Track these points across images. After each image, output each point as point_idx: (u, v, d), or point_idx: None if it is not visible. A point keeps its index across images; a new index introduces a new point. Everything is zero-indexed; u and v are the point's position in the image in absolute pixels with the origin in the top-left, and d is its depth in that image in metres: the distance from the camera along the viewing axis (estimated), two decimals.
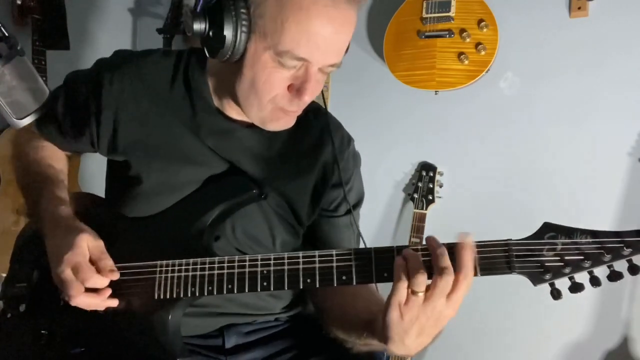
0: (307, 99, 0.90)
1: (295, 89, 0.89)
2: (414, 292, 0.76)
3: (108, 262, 0.91)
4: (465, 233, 0.79)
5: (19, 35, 1.94)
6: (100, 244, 0.93)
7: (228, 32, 0.85)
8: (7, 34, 0.79)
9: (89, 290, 0.90)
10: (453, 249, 0.78)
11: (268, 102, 0.92)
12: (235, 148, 1.03)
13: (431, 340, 0.83)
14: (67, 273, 0.89)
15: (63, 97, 1.06)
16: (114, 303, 0.93)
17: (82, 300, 0.90)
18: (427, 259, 0.79)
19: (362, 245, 1.13)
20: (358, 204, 1.14)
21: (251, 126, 1.02)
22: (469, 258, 0.76)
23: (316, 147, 1.08)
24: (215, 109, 1.02)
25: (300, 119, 1.00)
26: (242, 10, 0.85)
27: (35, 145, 1.13)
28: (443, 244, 0.79)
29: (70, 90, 1.06)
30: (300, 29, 0.84)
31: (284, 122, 0.97)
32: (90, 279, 0.89)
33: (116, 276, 0.92)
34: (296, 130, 1.03)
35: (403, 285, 0.77)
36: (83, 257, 0.90)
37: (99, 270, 0.90)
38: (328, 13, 0.84)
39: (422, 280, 0.76)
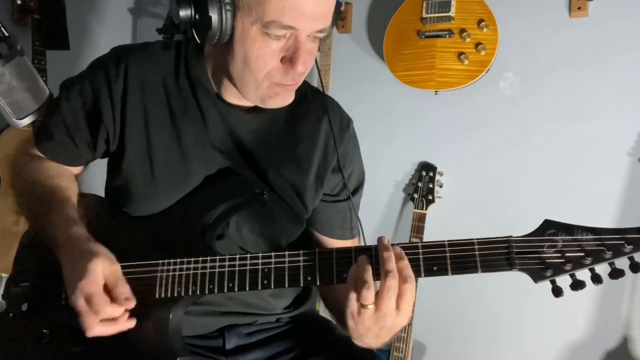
0: (301, 68, 0.89)
1: (288, 60, 0.89)
2: (363, 306, 0.79)
3: (124, 289, 0.86)
4: (381, 236, 0.83)
5: (19, 35, 1.94)
6: (116, 268, 0.88)
7: (213, 13, 0.86)
8: (7, 34, 0.79)
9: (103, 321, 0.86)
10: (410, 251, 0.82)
11: (264, 78, 0.91)
12: (237, 132, 1.03)
13: (391, 337, 0.86)
14: (81, 304, 0.84)
15: (68, 104, 1.04)
16: (131, 324, 0.89)
17: (98, 331, 0.85)
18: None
19: (361, 234, 1.15)
20: (360, 186, 1.15)
21: (251, 110, 1.02)
22: (395, 264, 0.79)
23: (315, 129, 1.07)
24: (215, 95, 1.02)
25: (298, 101, 1.00)
26: None
27: (37, 167, 1.07)
28: (398, 244, 0.83)
29: (74, 95, 1.03)
30: None
31: (282, 98, 0.96)
32: (103, 310, 0.84)
33: (132, 305, 0.87)
34: (295, 113, 1.04)
35: (353, 297, 0.80)
36: (97, 286, 0.84)
37: (113, 299, 0.86)
38: None
39: (367, 295, 0.78)
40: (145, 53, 1.04)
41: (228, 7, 0.86)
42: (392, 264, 0.79)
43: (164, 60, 1.04)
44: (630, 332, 1.93)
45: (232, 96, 1.02)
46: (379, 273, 0.81)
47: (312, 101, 1.09)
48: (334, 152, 1.07)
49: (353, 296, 0.80)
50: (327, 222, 1.11)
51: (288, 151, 1.05)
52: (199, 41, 0.91)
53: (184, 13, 0.89)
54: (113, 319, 0.86)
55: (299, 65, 0.88)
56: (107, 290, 0.86)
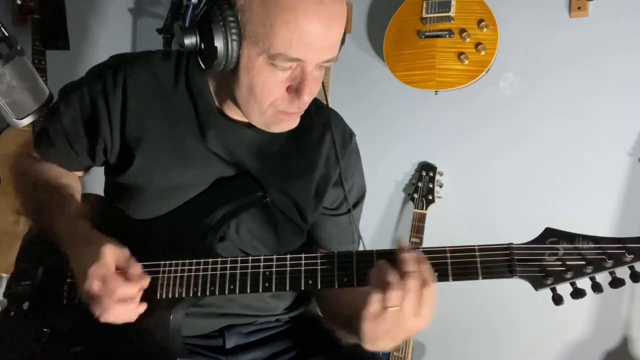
0: (307, 98, 0.89)
1: (294, 90, 0.89)
2: (386, 307, 0.78)
3: (136, 268, 0.87)
4: (400, 239, 0.82)
5: (19, 35, 1.94)
6: (124, 251, 0.89)
7: (219, 43, 0.85)
8: (7, 34, 0.79)
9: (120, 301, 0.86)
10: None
11: (268, 106, 0.91)
12: (238, 148, 1.02)
13: (406, 340, 0.86)
14: (95, 286, 0.84)
15: (67, 111, 1.03)
16: (144, 307, 0.89)
17: (115, 311, 0.85)
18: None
19: (361, 244, 1.14)
20: (360, 200, 1.15)
21: (253, 125, 1.02)
22: (416, 265, 0.78)
23: (318, 144, 1.08)
24: (217, 110, 1.02)
25: (301, 115, 1.00)
26: (230, 19, 0.85)
27: (38, 169, 1.08)
28: (417, 248, 0.82)
29: (73, 102, 1.03)
30: (289, 30, 0.83)
31: (287, 124, 0.96)
32: (118, 288, 0.84)
33: (146, 282, 0.88)
34: (298, 127, 1.03)
35: (377, 298, 0.78)
36: (108, 268, 0.85)
37: (127, 279, 0.86)
38: (315, 10, 0.83)
39: (394, 296, 0.77)
40: (144, 63, 1.02)
41: (234, 37, 0.85)
42: (413, 265, 0.78)
43: (164, 70, 1.03)
44: (630, 332, 1.93)
45: (234, 113, 1.01)
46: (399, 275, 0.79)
47: (315, 115, 1.08)
48: (336, 167, 1.07)
49: (377, 297, 0.78)
50: (326, 236, 1.11)
51: (290, 165, 1.05)
52: (204, 67, 0.91)
53: (189, 41, 0.88)
54: (128, 300, 0.87)
55: (305, 95, 0.88)
56: (119, 271, 0.87)
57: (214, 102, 1.02)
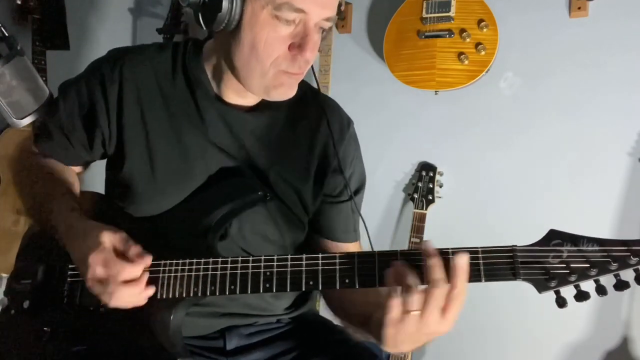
0: (309, 55, 0.90)
1: (297, 47, 0.90)
2: (407, 312, 0.76)
3: (135, 249, 0.88)
4: (427, 241, 0.79)
5: (19, 35, 1.94)
6: (121, 234, 0.89)
7: None
8: (7, 34, 0.79)
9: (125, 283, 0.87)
10: (447, 257, 0.77)
11: (270, 65, 0.91)
12: (236, 133, 1.03)
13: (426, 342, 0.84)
14: (98, 272, 0.86)
15: (64, 105, 1.04)
16: (152, 290, 0.90)
17: (123, 294, 0.86)
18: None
19: (365, 239, 1.14)
20: (361, 187, 1.14)
21: (251, 110, 1.02)
22: (461, 273, 0.75)
23: (315, 131, 1.07)
24: (215, 96, 1.03)
25: (297, 101, 1.00)
26: None
27: (37, 164, 1.09)
28: (439, 249, 0.79)
29: (71, 96, 1.04)
30: None
31: (286, 89, 0.96)
32: (123, 270, 0.85)
33: (149, 260, 0.89)
34: (295, 113, 1.04)
35: (397, 303, 0.77)
36: (108, 252, 0.86)
37: (128, 260, 0.87)
38: None
39: (415, 300, 0.75)
40: (141, 54, 1.04)
41: None
42: (440, 272, 0.76)
43: (161, 61, 1.04)
44: (630, 332, 1.93)
45: (232, 94, 1.02)
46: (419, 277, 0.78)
47: (311, 101, 1.09)
48: (335, 154, 1.07)
49: (396, 302, 0.77)
50: (329, 225, 1.10)
51: (288, 152, 1.05)
52: (204, 28, 0.91)
53: None
54: (135, 281, 0.87)
55: (308, 51, 0.89)
56: (120, 255, 0.88)
57: (212, 88, 1.02)
